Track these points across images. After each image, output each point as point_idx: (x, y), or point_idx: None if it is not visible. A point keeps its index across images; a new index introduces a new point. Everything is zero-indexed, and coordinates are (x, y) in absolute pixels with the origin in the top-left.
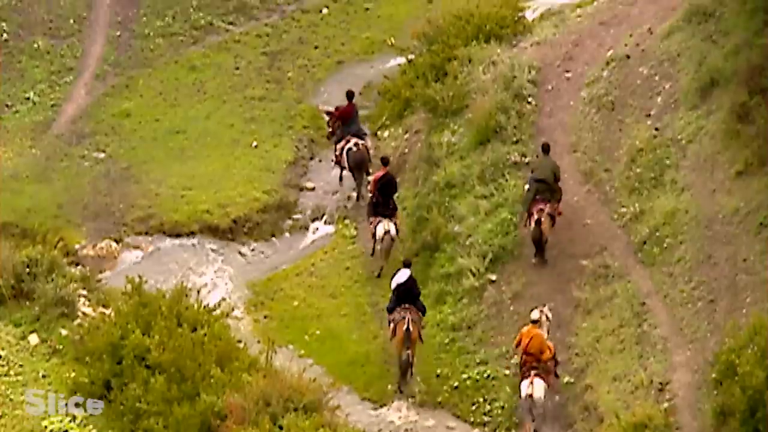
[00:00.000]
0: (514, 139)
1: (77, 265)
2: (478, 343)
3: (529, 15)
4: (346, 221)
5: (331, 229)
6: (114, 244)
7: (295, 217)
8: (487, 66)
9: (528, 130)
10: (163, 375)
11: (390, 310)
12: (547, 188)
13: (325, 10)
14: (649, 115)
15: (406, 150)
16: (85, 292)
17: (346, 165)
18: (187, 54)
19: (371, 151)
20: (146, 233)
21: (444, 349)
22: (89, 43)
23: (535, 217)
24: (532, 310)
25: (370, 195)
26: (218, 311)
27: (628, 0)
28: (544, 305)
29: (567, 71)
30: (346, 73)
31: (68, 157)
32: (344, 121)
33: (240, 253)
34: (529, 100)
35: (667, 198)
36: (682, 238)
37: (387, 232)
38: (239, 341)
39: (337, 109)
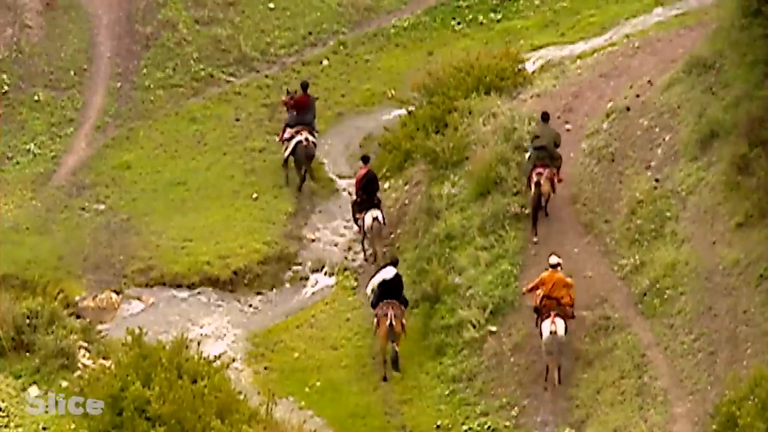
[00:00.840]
0: (515, 190)
1: (77, 316)
2: (479, 395)
3: (530, 67)
4: (347, 273)
5: (331, 280)
6: (114, 296)
7: (295, 268)
8: (487, 118)
9: None
10: (164, 427)
11: (374, 305)
12: (547, 155)
13: (325, 62)
14: (650, 166)
15: (407, 201)
16: (85, 344)
17: (289, 153)
18: (187, 106)
19: (316, 147)
20: (147, 285)
21: (444, 401)
22: (90, 94)
23: (535, 179)
24: (551, 255)
25: (354, 194)
26: (218, 363)
27: (628, 52)
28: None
29: (567, 123)
30: (346, 124)
31: (68, 209)
32: (298, 110)
33: (240, 304)
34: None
35: (668, 249)
36: (683, 290)
37: (375, 218)
38: (239, 393)
39: (292, 98)
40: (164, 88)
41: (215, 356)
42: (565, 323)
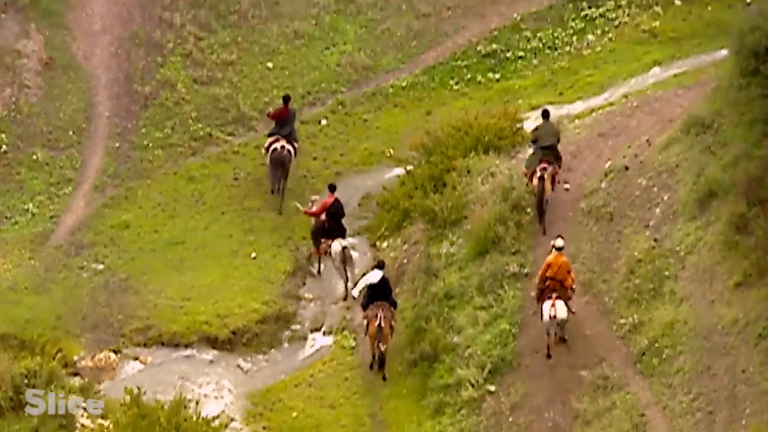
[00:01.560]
0: (513, 250)
1: (76, 376)
2: None
3: (528, 126)
4: (345, 332)
5: (330, 340)
6: (112, 355)
7: (293, 327)
8: (485, 177)
9: (527, 241)
10: None
11: (364, 307)
12: (551, 153)
13: (323, 121)
14: (648, 226)
15: (405, 261)
16: (84, 404)
17: (267, 160)
18: (186, 165)
19: (293, 155)
20: (145, 344)
21: None
22: (88, 154)
23: (538, 174)
24: (556, 238)
25: (321, 220)
26: (217, 422)
27: (626, 111)
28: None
29: (566, 182)
30: (344, 183)
31: (67, 269)
32: (278, 122)
33: (238, 364)
34: (528, 211)
35: (666, 309)
36: (681, 349)
37: (345, 247)
38: None
39: (274, 111)
40: (163, 147)
41: (214, 416)
42: (566, 305)
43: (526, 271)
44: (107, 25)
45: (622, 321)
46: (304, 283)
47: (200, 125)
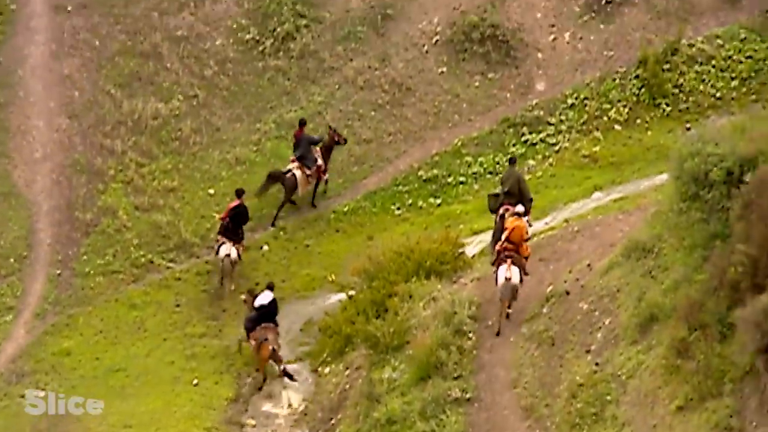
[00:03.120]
0: (455, 374)
1: None
2: None
3: (469, 251)
4: None
5: None
6: None
7: None
8: (427, 302)
9: (469, 366)
10: None
11: (250, 329)
12: (513, 197)
13: (265, 247)
14: (590, 350)
15: (347, 386)
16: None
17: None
18: (127, 292)
19: (296, 180)
20: None
21: None
22: (29, 281)
23: (500, 212)
24: (516, 204)
25: (222, 219)
26: None
27: (567, 236)
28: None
29: (508, 307)
30: (286, 309)
31: (8, 397)
32: (294, 144)
33: None
34: (470, 335)
35: None
36: None
37: (228, 255)
38: None
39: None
40: (104, 274)
41: None
42: (520, 272)
43: (468, 396)
44: (48, 153)
45: None
46: (246, 410)
47: (142, 252)
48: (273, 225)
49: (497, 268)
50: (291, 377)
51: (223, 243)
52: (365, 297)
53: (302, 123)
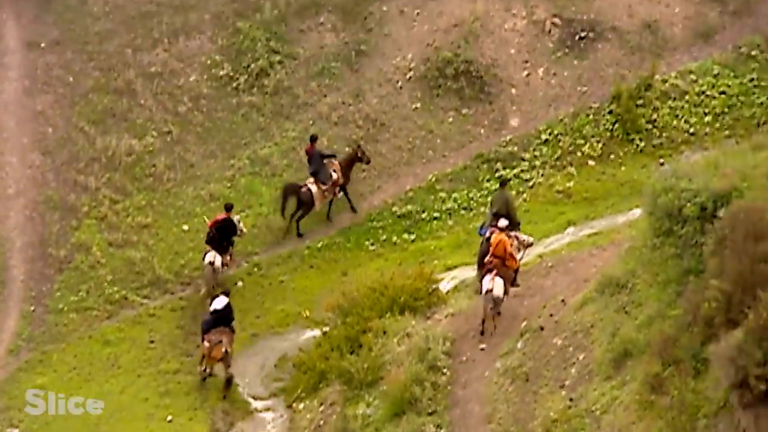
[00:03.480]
0: (429, 410)
1: None
2: None
3: (443, 287)
4: None
5: None
6: None
7: None
8: (401, 338)
9: (443, 402)
10: None
11: (205, 331)
12: (502, 217)
13: (239, 283)
14: (564, 386)
15: (322, 422)
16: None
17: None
18: (101, 328)
19: (323, 193)
20: None
21: None
22: (3, 318)
23: (487, 235)
24: (499, 219)
25: (209, 227)
26: None
27: (541, 271)
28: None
29: (481, 342)
30: (261, 345)
31: None
32: (307, 160)
33: None
34: (444, 371)
35: None
36: None
37: (211, 263)
38: None
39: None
40: (78, 311)
41: None
42: (504, 284)
43: (443, 431)
44: (21, 189)
45: None
46: None
47: (115, 288)
48: (300, 235)
49: (481, 279)
50: (230, 383)
51: (209, 251)
52: (339, 333)
53: (313, 139)
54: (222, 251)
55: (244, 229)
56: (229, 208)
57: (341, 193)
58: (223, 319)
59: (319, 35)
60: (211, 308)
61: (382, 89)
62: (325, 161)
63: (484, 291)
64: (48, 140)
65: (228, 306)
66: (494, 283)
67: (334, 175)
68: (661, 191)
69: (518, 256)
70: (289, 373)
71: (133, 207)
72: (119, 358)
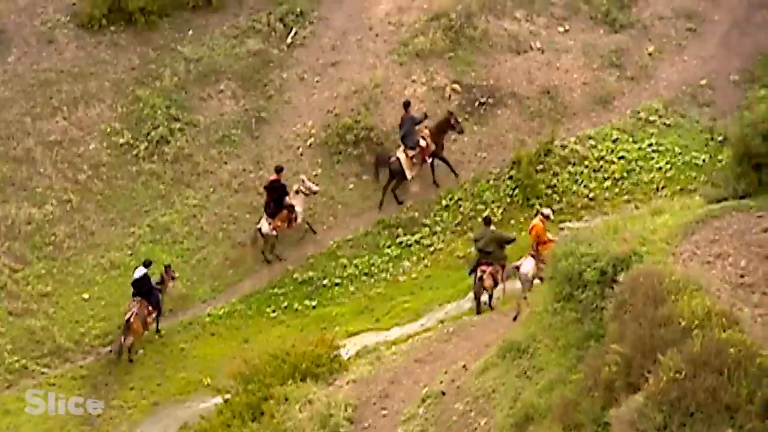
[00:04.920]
0: None
1: None
2: None
3: (345, 353)
4: None
5: None
6: None
7: None
8: (303, 405)
9: None
10: None
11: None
12: (488, 255)
13: (141, 351)
14: None
15: None
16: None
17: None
18: (1, 398)
19: (412, 159)
20: None
21: None
22: None
23: (478, 275)
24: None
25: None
26: None
27: (442, 337)
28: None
29: (383, 408)
30: (162, 413)
31: None
32: (400, 126)
33: None
34: None
35: None
36: None
37: (259, 229)
38: None
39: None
40: None
41: None
42: (536, 263)
43: None
44: None
45: None
46: None
47: (15, 357)
48: (399, 203)
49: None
50: (120, 352)
51: (262, 217)
52: (241, 400)
53: (406, 105)
54: (272, 213)
55: (314, 187)
56: (279, 170)
57: (431, 160)
58: (142, 289)
59: (219, 102)
60: (134, 277)
61: (283, 156)
62: (416, 127)
63: (512, 266)
64: None
65: (145, 276)
66: (523, 261)
67: (422, 142)
68: (562, 256)
69: None
70: None
71: (32, 275)
72: (19, 428)
